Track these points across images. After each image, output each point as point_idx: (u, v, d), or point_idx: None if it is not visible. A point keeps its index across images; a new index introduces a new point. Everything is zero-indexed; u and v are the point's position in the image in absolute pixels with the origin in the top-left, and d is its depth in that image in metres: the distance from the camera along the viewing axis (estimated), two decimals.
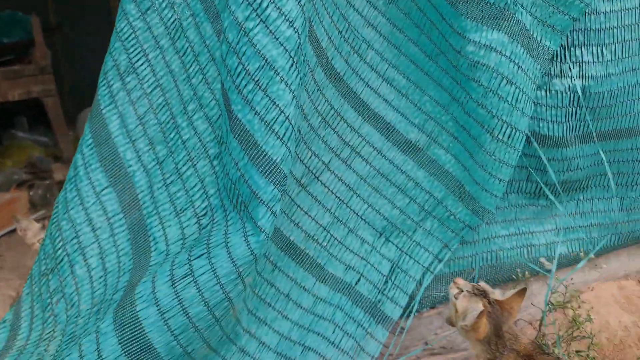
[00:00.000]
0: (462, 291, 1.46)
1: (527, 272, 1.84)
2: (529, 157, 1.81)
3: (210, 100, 1.46)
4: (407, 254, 1.74)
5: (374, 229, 1.70)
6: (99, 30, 2.49)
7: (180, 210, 1.45)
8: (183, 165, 1.48)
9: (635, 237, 2.00)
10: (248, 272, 1.33)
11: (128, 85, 1.55)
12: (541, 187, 1.85)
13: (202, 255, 1.30)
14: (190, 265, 1.29)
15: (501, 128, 1.63)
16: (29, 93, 4.07)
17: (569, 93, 1.75)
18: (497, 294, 1.47)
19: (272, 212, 1.32)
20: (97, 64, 1.61)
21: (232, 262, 1.29)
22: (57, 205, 1.60)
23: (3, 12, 4.37)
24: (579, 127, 1.79)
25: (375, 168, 1.68)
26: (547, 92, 1.74)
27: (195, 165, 1.46)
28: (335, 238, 1.66)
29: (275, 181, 1.31)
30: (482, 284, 1.49)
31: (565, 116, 1.77)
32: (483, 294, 1.45)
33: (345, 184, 1.65)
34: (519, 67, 1.62)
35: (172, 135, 1.51)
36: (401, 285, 1.74)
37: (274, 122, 1.29)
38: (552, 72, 1.73)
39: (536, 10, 1.63)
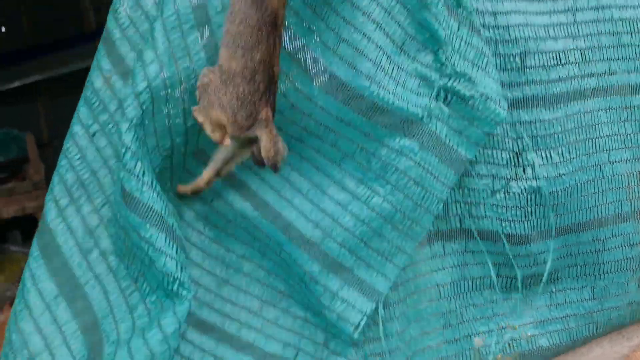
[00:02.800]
0: None
1: None
2: (496, 254, 1.91)
3: None
4: (335, 325, 1.79)
5: (301, 304, 1.80)
6: None
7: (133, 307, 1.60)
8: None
9: (612, 325, 2.05)
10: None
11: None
12: (512, 281, 1.94)
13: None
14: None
15: (402, 221, 1.77)
16: (23, 209, 4.17)
17: (525, 194, 1.88)
18: None
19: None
20: None
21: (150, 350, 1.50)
22: (8, 325, 1.68)
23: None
24: (540, 224, 1.90)
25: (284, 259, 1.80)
26: (506, 194, 1.87)
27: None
28: (268, 320, 1.78)
29: None
30: None
31: (525, 215, 1.89)
32: None
33: (265, 269, 1.80)
34: (427, 172, 1.77)
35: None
36: (337, 350, 1.80)
37: None
38: (509, 176, 1.87)
39: (453, 122, 1.79)
